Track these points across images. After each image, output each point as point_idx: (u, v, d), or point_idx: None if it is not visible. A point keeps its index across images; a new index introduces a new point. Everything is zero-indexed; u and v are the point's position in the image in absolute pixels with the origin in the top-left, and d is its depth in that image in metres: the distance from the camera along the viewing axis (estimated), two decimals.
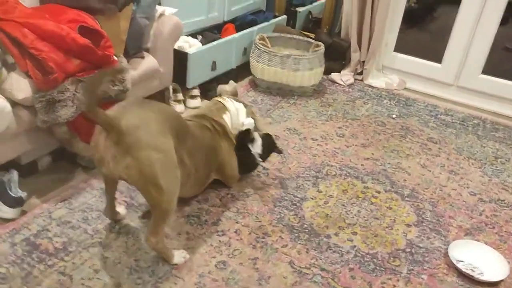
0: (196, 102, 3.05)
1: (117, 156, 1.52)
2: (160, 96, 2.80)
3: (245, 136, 2.24)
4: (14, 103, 1.88)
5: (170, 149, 1.62)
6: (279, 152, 2.38)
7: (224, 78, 3.38)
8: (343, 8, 3.68)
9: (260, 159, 2.29)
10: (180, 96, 2.96)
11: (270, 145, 2.33)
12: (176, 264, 1.81)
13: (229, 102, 2.24)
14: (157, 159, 1.55)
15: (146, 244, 1.78)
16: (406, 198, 2.37)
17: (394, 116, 3.23)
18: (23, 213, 1.99)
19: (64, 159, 2.30)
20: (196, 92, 3.05)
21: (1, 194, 1.89)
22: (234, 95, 2.38)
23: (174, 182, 1.65)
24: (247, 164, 2.30)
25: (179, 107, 2.94)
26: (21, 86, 1.85)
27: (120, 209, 1.99)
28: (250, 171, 2.38)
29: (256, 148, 2.27)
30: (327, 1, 3.86)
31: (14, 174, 1.97)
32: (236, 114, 2.23)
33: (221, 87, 2.38)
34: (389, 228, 2.14)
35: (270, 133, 2.39)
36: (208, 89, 3.16)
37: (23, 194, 1.92)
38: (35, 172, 2.23)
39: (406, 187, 2.46)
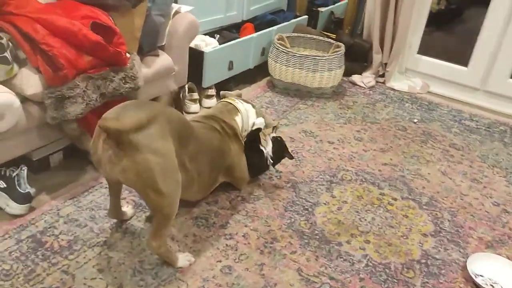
0: (212, 102, 3.00)
1: (113, 158, 1.47)
2: (175, 95, 2.78)
3: (256, 136, 2.19)
4: (24, 99, 1.88)
5: (170, 152, 1.57)
6: (290, 157, 2.32)
7: (241, 78, 3.35)
8: (366, 8, 3.58)
9: (270, 161, 2.23)
10: (195, 95, 2.92)
11: (281, 150, 2.28)
12: (180, 268, 1.77)
13: (239, 104, 2.19)
14: (156, 163, 1.49)
15: (148, 248, 1.74)
16: (424, 207, 2.27)
17: (415, 120, 3.12)
18: (32, 209, 1.98)
19: (76, 156, 2.29)
20: (212, 91, 3.02)
21: (10, 190, 1.89)
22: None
23: (175, 187, 1.60)
24: (258, 165, 2.25)
25: (194, 107, 2.90)
26: (31, 81, 1.84)
27: (127, 208, 1.96)
28: (261, 173, 2.33)
29: (268, 151, 2.23)
30: (349, 1, 3.77)
31: (24, 170, 1.96)
32: (246, 115, 2.19)
33: (224, 93, 2.34)
34: (404, 237, 2.05)
35: (282, 137, 2.33)
36: (224, 89, 3.11)
37: (31, 190, 1.92)
38: (47, 169, 2.23)
39: (425, 195, 2.36)
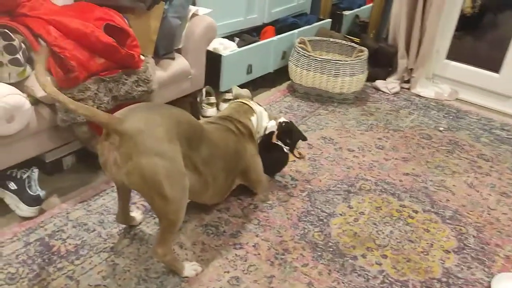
0: None
1: (118, 161, 1.44)
2: (193, 99, 2.73)
3: (269, 139, 2.19)
4: (36, 101, 1.87)
5: (177, 156, 1.52)
6: (304, 138, 2.32)
7: (261, 81, 3.29)
8: (392, 11, 3.47)
9: (287, 148, 2.24)
10: (212, 99, 2.88)
11: (294, 133, 2.27)
12: (186, 277, 1.71)
13: (255, 105, 2.15)
14: (162, 166, 1.45)
15: (153, 256, 1.70)
16: (447, 221, 2.15)
17: (441, 128, 2.99)
18: (42, 211, 1.97)
19: (89, 159, 2.26)
20: (230, 95, 2.96)
21: (20, 192, 1.88)
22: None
23: (181, 192, 1.55)
24: (278, 159, 2.24)
25: (211, 111, 2.86)
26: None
27: (136, 214, 1.93)
28: (283, 166, 2.31)
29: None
30: (374, 4, 3.66)
31: (35, 173, 1.95)
32: (261, 117, 2.16)
33: (237, 90, 2.29)
34: (425, 253, 1.94)
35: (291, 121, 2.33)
36: None
37: (41, 193, 1.90)
38: (60, 171, 2.22)
39: (449, 208, 2.23)
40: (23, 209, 1.88)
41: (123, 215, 1.84)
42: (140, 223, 1.94)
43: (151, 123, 1.46)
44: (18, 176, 1.91)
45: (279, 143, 2.22)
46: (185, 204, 1.59)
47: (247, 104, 2.14)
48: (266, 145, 2.19)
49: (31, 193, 1.88)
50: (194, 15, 2.50)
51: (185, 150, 1.57)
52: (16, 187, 1.89)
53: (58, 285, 1.64)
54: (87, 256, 1.77)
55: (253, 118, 2.11)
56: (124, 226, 1.91)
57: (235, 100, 2.19)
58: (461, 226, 2.12)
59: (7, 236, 1.82)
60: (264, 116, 2.17)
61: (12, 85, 1.77)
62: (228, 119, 2.04)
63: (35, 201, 1.89)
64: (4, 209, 1.94)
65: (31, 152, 1.91)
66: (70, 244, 1.82)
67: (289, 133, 2.25)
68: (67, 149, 2.17)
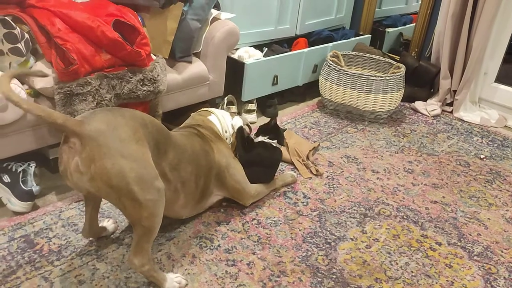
0: (252, 117, 2.82)
1: (80, 166, 1.30)
2: (212, 107, 2.63)
3: (242, 134, 2.05)
4: (37, 94, 1.83)
5: (146, 157, 1.38)
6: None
7: (289, 95, 3.15)
8: (436, 29, 3.23)
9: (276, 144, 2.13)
10: (233, 108, 2.76)
11: (268, 127, 2.17)
12: None
13: (211, 108, 2.07)
14: (130, 168, 1.32)
15: (130, 266, 1.56)
16: (475, 257, 1.87)
17: (482, 156, 2.70)
18: (36, 208, 1.91)
19: None
20: (253, 106, 2.84)
21: (13, 186, 1.83)
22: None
23: (155, 195, 1.41)
24: (271, 158, 2.09)
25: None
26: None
27: (107, 223, 1.80)
28: (276, 166, 2.14)
29: (260, 138, 2.12)
30: (418, 21, 3.43)
31: (32, 167, 1.90)
32: (221, 115, 2.03)
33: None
34: None
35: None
36: (267, 105, 2.93)
37: (34, 188, 1.84)
38: None
39: (479, 244, 1.96)
40: (15, 204, 1.83)
41: (90, 228, 1.69)
42: (113, 233, 1.81)
43: (114, 123, 1.33)
44: (13, 169, 1.86)
45: (267, 140, 2.10)
46: (161, 209, 1.45)
47: (202, 110, 2.06)
48: (249, 146, 2.06)
49: (24, 187, 1.83)
50: (215, 19, 2.41)
51: (153, 155, 1.45)
52: (9, 180, 1.84)
53: (31, 285, 1.54)
54: (68, 258, 1.67)
55: (212, 117, 2.00)
56: (115, 230, 1.81)
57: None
58: (490, 264, 1.84)
59: None
60: (225, 114, 2.05)
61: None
62: (189, 126, 1.93)
63: (27, 196, 1.83)
64: None
65: (30, 145, 1.86)
66: (54, 243, 1.73)
67: (276, 127, 2.18)
68: None
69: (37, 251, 1.69)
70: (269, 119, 2.23)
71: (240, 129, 2.05)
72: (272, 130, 2.17)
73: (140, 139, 1.37)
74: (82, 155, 1.29)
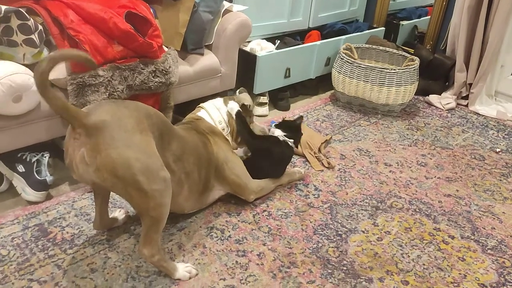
0: (264, 110, 2.82)
1: (86, 158, 1.31)
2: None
3: (242, 119, 1.98)
4: (52, 85, 1.85)
5: (151, 147, 1.39)
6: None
7: (301, 88, 3.13)
8: (451, 20, 3.18)
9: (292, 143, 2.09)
10: None
11: (292, 125, 2.14)
12: (178, 279, 1.58)
13: (203, 103, 2.01)
14: (135, 158, 1.32)
15: (140, 257, 1.58)
16: (489, 251, 1.85)
17: (498, 150, 2.65)
18: (50, 197, 1.94)
19: None
20: (265, 99, 2.83)
21: (27, 175, 1.86)
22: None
23: (162, 185, 1.41)
24: (281, 153, 2.07)
25: None
26: (55, 66, 1.79)
27: (118, 214, 1.81)
28: (286, 163, 2.12)
29: (278, 132, 2.09)
30: (433, 13, 3.38)
31: (46, 157, 1.92)
32: (212, 106, 1.97)
33: (239, 95, 2.15)
34: (455, 284, 1.67)
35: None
36: (279, 98, 2.92)
37: (48, 178, 1.86)
38: None
39: (493, 237, 1.93)
40: (29, 193, 1.86)
41: (101, 220, 1.71)
42: (124, 223, 1.82)
43: (119, 114, 1.34)
44: (28, 159, 1.89)
45: (282, 138, 2.06)
46: (168, 199, 1.45)
47: (194, 109, 2.02)
48: (257, 138, 2.03)
49: (38, 177, 1.85)
50: (227, 11, 2.41)
51: (158, 145, 1.45)
52: (24, 170, 1.87)
53: (44, 273, 1.57)
54: (81, 247, 1.69)
55: (200, 113, 1.95)
56: (125, 219, 1.83)
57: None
58: (505, 258, 1.82)
59: (9, 219, 1.80)
60: (217, 103, 1.98)
61: (27, 67, 1.76)
62: (184, 123, 1.91)
63: (41, 185, 1.86)
64: (14, 192, 1.92)
65: (43, 136, 1.89)
66: (67, 232, 1.76)
67: (298, 128, 2.15)
68: None
69: (51, 240, 1.71)
70: (297, 116, 2.18)
71: (238, 114, 1.97)
72: (293, 129, 2.13)
73: (144, 129, 1.38)
74: (88, 146, 1.30)
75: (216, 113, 1.94)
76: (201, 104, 2.00)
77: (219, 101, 2.00)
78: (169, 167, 1.54)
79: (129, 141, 1.32)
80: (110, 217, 1.76)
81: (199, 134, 1.84)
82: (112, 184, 1.34)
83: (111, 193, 1.77)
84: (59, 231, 1.76)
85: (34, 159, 1.89)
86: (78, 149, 1.32)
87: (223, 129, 1.94)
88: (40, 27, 1.77)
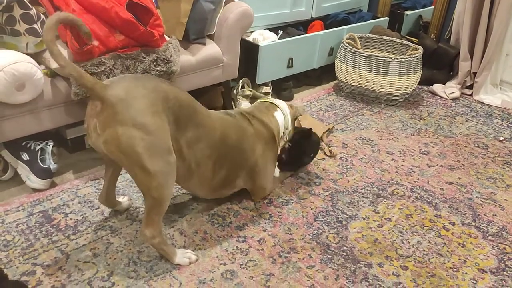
0: None
1: (98, 128, 1.37)
2: (224, 88, 2.64)
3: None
4: (54, 74, 1.88)
5: (161, 130, 1.40)
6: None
7: (304, 78, 3.14)
8: (455, 9, 3.16)
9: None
10: (248, 91, 2.77)
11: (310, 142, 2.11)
12: (178, 264, 1.60)
13: (276, 100, 2.02)
14: (140, 138, 1.35)
15: (140, 238, 1.60)
16: (490, 237, 1.85)
17: (502, 138, 2.64)
18: (54, 185, 1.97)
19: None
20: (268, 89, 2.84)
21: (31, 163, 1.89)
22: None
23: (166, 168, 1.43)
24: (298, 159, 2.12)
25: (245, 103, 2.75)
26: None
27: (123, 199, 1.85)
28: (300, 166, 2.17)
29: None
30: (437, 3, 3.36)
31: (49, 146, 1.95)
32: (286, 110, 1.98)
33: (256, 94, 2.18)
34: (454, 269, 1.67)
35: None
36: (282, 88, 2.93)
37: (52, 166, 1.89)
38: (82, 149, 2.23)
39: (494, 224, 1.93)
40: (33, 181, 1.89)
41: (107, 196, 1.75)
42: (126, 209, 1.85)
43: (135, 93, 1.37)
44: (32, 148, 1.92)
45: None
46: (170, 182, 1.48)
47: (268, 101, 2.00)
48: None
49: (42, 165, 1.88)
50: (229, 0, 2.42)
51: (172, 130, 1.47)
52: (28, 158, 1.90)
53: (48, 257, 1.60)
54: (84, 232, 1.72)
55: (277, 113, 1.95)
56: (127, 207, 1.85)
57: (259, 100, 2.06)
58: (505, 244, 1.82)
59: (14, 205, 1.83)
60: (286, 107, 2.00)
61: (30, 56, 1.78)
62: (247, 115, 1.87)
63: (45, 173, 1.89)
64: (19, 180, 1.96)
65: (47, 124, 1.91)
66: (71, 219, 1.79)
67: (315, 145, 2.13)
68: None
69: (54, 226, 1.74)
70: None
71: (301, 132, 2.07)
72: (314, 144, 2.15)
73: (157, 112, 1.39)
74: (100, 118, 1.36)
75: (288, 118, 1.97)
76: (276, 102, 1.99)
77: (286, 106, 2.01)
78: (181, 153, 1.54)
79: (137, 120, 1.35)
80: (115, 199, 1.80)
81: (248, 136, 1.80)
82: (118, 158, 1.39)
83: (117, 182, 1.80)
84: (62, 217, 1.79)
85: (38, 148, 1.92)
86: (93, 118, 1.38)
87: (284, 134, 1.99)
88: (43, 16, 1.80)
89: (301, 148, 2.06)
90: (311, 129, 2.11)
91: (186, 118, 1.53)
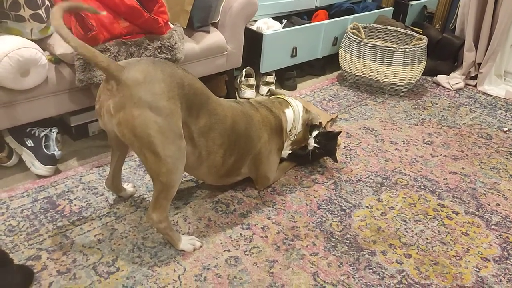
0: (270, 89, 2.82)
1: (112, 109, 1.36)
2: (228, 77, 2.64)
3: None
4: (58, 60, 1.87)
5: (175, 115, 1.40)
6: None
7: (308, 68, 3.13)
8: (461, 0, 3.14)
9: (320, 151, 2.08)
10: (251, 80, 2.76)
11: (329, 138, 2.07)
12: (182, 250, 1.61)
13: (290, 99, 2.02)
14: (154, 121, 1.35)
15: (147, 221, 1.61)
16: (493, 226, 1.85)
17: (506, 129, 2.64)
18: (58, 172, 1.98)
19: None
20: (271, 78, 2.83)
21: (36, 150, 1.89)
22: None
23: (176, 153, 1.44)
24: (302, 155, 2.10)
25: (249, 93, 2.75)
26: (62, 42, 1.79)
27: (128, 186, 1.86)
28: (304, 163, 2.15)
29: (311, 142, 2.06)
30: None
31: (54, 132, 1.95)
32: (297, 111, 1.98)
33: (273, 90, 2.16)
34: (457, 257, 1.68)
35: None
36: (286, 77, 2.92)
37: (56, 153, 1.90)
38: (85, 136, 2.23)
39: (497, 213, 1.93)
40: (38, 167, 1.89)
41: (113, 181, 1.76)
42: (130, 196, 1.86)
43: (152, 77, 1.37)
44: (36, 134, 1.92)
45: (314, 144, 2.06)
46: (180, 168, 1.48)
47: (282, 98, 2.01)
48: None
49: (47, 151, 1.88)
50: None
51: (184, 116, 1.47)
52: (32, 144, 1.90)
53: (53, 242, 1.61)
54: (88, 219, 1.73)
55: (288, 111, 1.96)
56: (131, 193, 1.86)
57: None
58: (509, 233, 1.82)
59: (19, 191, 1.84)
60: (300, 107, 2.00)
61: (35, 42, 1.78)
62: (258, 105, 1.89)
63: (49, 160, 1.89)
64: (24, 166, 1.96)
65: (51, 111, 1.91)
66: (75, 205, 1.79)
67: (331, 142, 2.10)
68: (93, 115, 2.17)
69: (59, 212, 1.75)
70: (336, 131, 2.13)
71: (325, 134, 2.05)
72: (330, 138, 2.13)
73: (172, 97, 1.39)
74: (116, 99, 1.35)
75: (298, 118, 1.98)
76: (289, 100, 1.99)
77: (301, 106, 2.01)
78: (192, 140, 1.55)
79: (153, 104, 1.35)
80: (121, 184, 1.81)
81: (256, 124, 1.81)
82: (130, 141, 1.39)
83: (122, 170, 1.81)
84: (67, 204, 1.80)
85: (42, 134, 1.92)
86: (108, 99, 1.37)
87: (292, 134, 1.98)
88: (47, 2, 1.79)
89: (326, 149, 2.06)
90: (340, 131, 2.10)
91: (199, 106, 1.53)
